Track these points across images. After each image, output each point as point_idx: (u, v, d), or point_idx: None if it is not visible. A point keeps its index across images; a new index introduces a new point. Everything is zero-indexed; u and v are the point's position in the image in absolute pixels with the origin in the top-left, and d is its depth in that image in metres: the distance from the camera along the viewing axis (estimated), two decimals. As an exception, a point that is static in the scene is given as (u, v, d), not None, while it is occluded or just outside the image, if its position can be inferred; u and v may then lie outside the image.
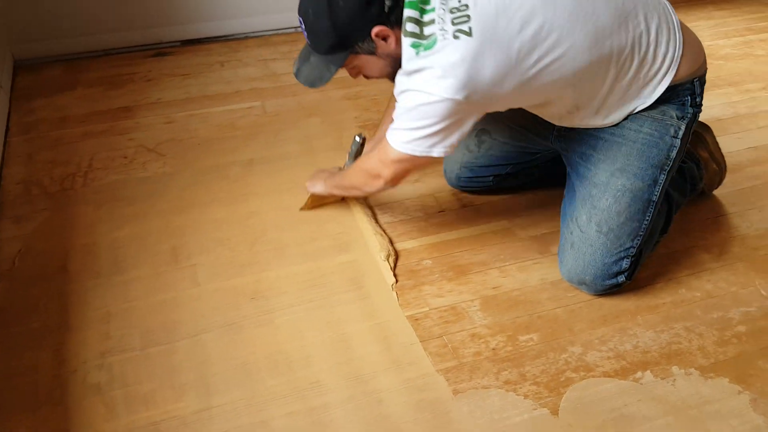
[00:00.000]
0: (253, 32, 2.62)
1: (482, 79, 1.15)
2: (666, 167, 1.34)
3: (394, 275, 1.45)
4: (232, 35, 2.59)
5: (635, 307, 1.39)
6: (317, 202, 1.64)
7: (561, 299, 1.41)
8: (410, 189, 1.73)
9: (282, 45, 2.55)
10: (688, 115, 1.33)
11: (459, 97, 1.16)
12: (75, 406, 1.18)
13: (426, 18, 1.17)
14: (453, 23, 1.14)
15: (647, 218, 1.34)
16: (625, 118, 1.34)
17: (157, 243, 1.55)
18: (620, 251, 1.34)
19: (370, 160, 1.39)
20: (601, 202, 1.35)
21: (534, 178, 1.70)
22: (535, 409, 1.18)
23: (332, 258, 1.51)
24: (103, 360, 1.26)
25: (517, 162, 1.62)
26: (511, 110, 1.45)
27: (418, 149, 1.25)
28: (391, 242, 1.55)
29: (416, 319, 1.35)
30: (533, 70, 1.18)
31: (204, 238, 1.56)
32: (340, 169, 1.60)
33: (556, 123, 1.42)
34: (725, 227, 1.60)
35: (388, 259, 1.48)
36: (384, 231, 1.58)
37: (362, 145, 1.59)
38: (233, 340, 1.30)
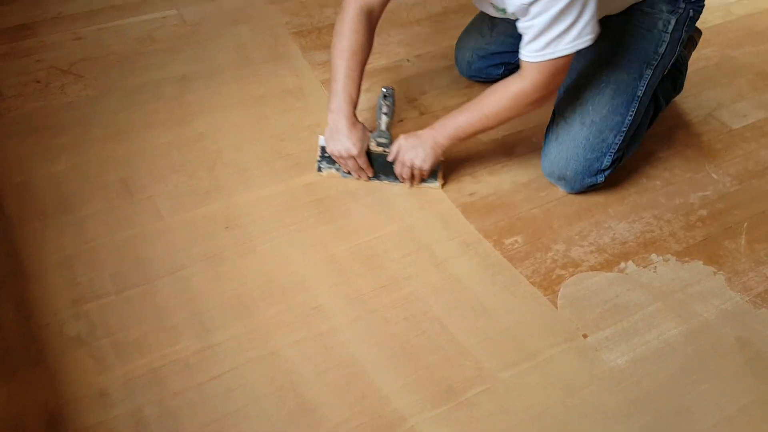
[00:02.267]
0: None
1: None
2: (653, 62, 1.34)
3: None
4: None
5: (604, 199, 1.44)
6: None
7: (535, 200, 1.43)
8: (363, 99, 1.66)
9: (184, -56, 2.29)
10: (680, 10, 1.33)
11: None
12: (58, 363, 1.07)
13: None
14: None
15: (630, 113, 1.34)
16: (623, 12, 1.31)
17: (102, 175, 1.39)
18: (602, 146, 1.34)
19: (525, 84, 1.22)
20: (585, 93, 1.35)
21: None
22: (536, 308, 1.21)
23: (298, 178, 1.43)
24: (77, 309, 1.14)
25: None
26: None
27: (580, 43, 1.15)
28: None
29: (403, 233, 1.33)
30: None
31: (154, 165, 1.42)
32: (380, 130, 1.41)
33: None
34: (669, 115, 1.67)
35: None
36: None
37: (394, 96, 1.45)
38: (218, 273, 1.22)
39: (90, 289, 1.17)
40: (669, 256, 1.33)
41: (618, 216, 1.40)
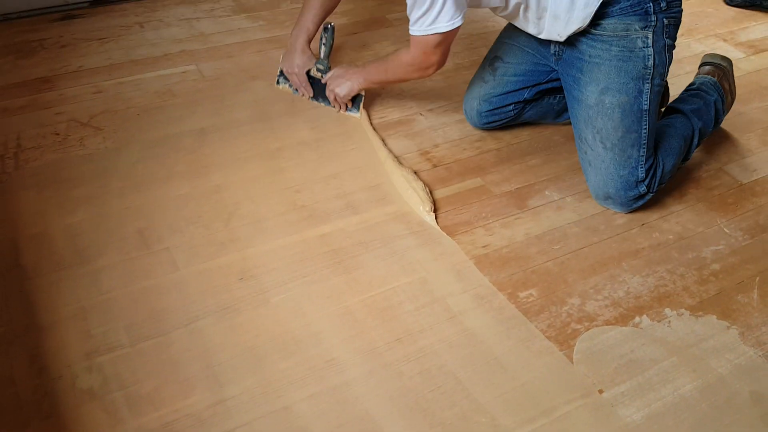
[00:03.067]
0: (167, -11, 2.41)
1: None
2: (647, 76, 1.43)
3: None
4: (145, -8, 2.36)
5: (618, 253, 1.44)
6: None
7: (549, 252, 1.43)
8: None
9: (202, 3, 2.37)
10: (652, 23, 1.41)
11: None
12: (70, 416, 1.06)
13: None
14: None
15: (644, 127, 1.45)
16: (598, 24, 1.42)
17: (120, 227, 1.41)
18: (630, 161, 1.46)
19: (408, 56, 1.50)
20: (598, 122, 1.47)
21: (554, 109, 1.74)
22: (551, 363, 1.20)
23: (312, 229, 1.44)
24: (90, 361, 1.14)
25: (533, 84, 1.65)
26: (515, 30, 1.61)
27: (437, 28, 1.39)
28: (429, 190, 1.56)
29: (416, 285, 1.33)
30: None
31: (171, 217, 1.44)
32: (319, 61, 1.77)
33: (543, 36, 1.49)
34: (680, 170, 1.68)
35: (432, 211, 1.50)
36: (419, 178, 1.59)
37: (333, 31, 1.75)
38: (232, 325, 1.22)
39: (104, 341, 1.18)
40: (683, 310, 1.32)
41: (632, 270, 1.40)
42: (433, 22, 1.37)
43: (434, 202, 1.52)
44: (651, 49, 1.42)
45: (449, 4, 1.34)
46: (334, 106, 1.78)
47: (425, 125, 1.79)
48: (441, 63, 1.50)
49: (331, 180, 1.58)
